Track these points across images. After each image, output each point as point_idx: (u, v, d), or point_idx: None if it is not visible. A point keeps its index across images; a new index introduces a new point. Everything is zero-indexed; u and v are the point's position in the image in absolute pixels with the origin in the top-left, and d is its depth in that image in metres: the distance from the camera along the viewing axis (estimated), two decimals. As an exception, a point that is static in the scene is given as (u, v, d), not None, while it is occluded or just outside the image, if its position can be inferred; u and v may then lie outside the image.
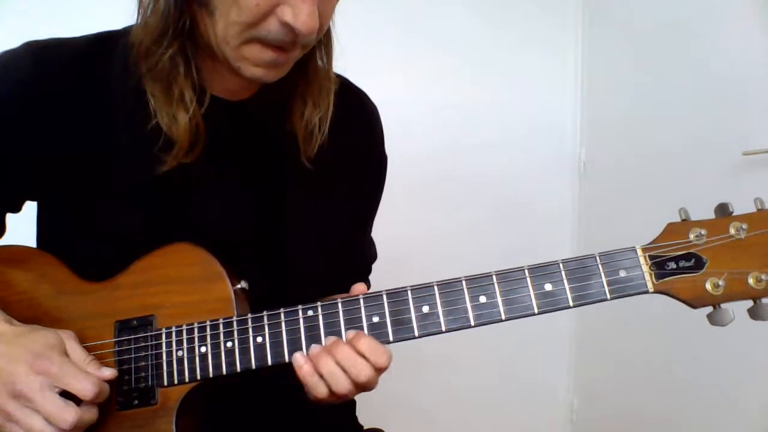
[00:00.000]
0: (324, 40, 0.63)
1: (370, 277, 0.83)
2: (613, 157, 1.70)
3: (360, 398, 0.79)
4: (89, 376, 0.52)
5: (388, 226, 0.85)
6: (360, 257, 0.79)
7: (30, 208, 0.67)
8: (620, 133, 1.66)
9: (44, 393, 0.50)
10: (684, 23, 1.40)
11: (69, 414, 0.50)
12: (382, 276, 0.82)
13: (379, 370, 0.53)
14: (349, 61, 0.69)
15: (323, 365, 0.52)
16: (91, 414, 0.52)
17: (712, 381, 1.29)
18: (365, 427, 0.76)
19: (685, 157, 1.38)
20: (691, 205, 0.54)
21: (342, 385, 0.52)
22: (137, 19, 0.57)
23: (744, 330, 0.51)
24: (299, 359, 0.53)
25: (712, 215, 0.52)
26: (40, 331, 0.55)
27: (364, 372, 0.52)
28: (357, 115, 0.73)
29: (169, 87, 0.57)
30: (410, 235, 1.52)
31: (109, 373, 0.54)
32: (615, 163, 1.68)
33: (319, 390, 0.53)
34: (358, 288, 0.57)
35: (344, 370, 0.52)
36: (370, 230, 0.81)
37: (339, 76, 0.70)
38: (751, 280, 0.48)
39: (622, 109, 1.66)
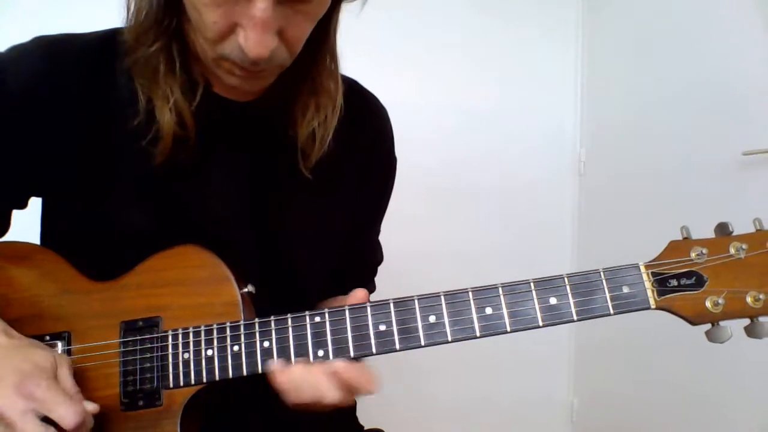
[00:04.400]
0: (328, 54, 0.63)
1: (376, 280, 0.83)
2: (612, 156, 1.71)
3: (360, 398, 0.81)
4: (74, 405, 0.50)
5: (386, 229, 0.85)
6: (364, 260, 0.79)
7: (35, 204, 0.67)
8: (620, 133, 1.67)
9: (25, 417, 0.48)
10: (684, 23, 1.41)
11: None
12: (386, 281, 0.83)
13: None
14: (350, 65, 0.69)
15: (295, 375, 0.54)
16: None
17: (712, 382, 1.30)
18: (365, 428, 0.77)
19: (685, 156, 1.39)
20: (690, 205, 0.55)
21: (312, 397, 0.54)
22: (125, 18, 0.58)
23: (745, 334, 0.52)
24: (274, 365, 0.55)
25: (711, 216, 0.54)
26: (35, 349, 0.54)
27: (331, 394, 0.53)
28: (366, 117, 0.73)
29: (153, 83, 0.58)
30: (410, 233, 1.52)
31: (91, 407, 0.53)
32: (615, 163, 1.69)
33: (289, 397, 0.54)
34: (358, 295, 0.57)
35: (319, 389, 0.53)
36: (377, 233, 0.81)
37: (349, 79, 0.70)
38: (749, 299, 0.50)
39: (622, 109, 1.67)
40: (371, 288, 0.82)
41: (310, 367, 0.54)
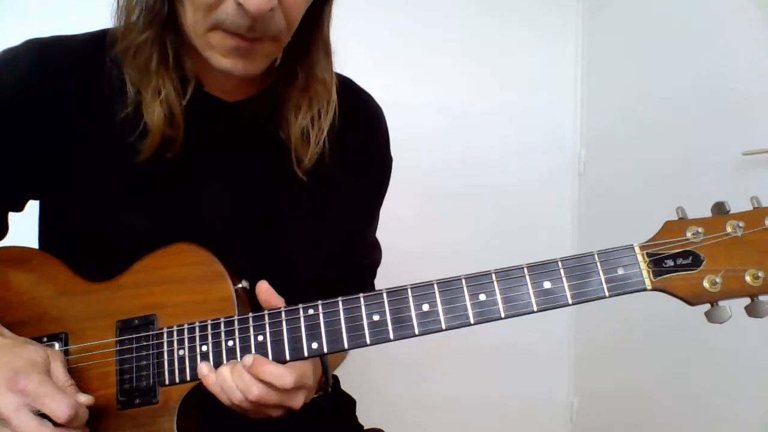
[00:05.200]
0: (321, 45, 0.62)
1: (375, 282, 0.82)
2: (613, 156, 1.70)
3: (360, 398, 0.80)
4: (66, 398, 0.50)
5: (384, 229, 0.85)
6: (361, 260, 0.79)
7: (32, 208, 0.68)
8: (620, 133, 1.66)
9: (19, 413, 0.49)
10: (684, 23, 1.41)
11: None
12: (385, 282, 0.82)
13: (286, 391, 0.53)
14: (347, 64, 0.69)
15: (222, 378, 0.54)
16: None
17: (713, 382, 1.29)
18: (365, 427, 0.76)
19: (685, 156, 1.38)
20: (691, 205, 0.54)
21: (238, 398, 0.53)
22: (114, 7, 0.58)
23: (746, 333, 0.51)
24: (203, 368, 0.55)
25: (710, 215, 0.52)
26: (27, 346, 0.54)
27: (254, 390, 0.52)
28: (360, 116, 0.72)
29: (144, 75, 0.57)
30: (409, 234, 1.52)
31: (84, 398, 0.53)
32: (615, 163, 1.69)
33: (222, 398, 0.54)
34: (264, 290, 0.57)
35: (239, 389, 0.53)
36: (374, 232, 0.81)
37: (344, 78, 0.70)
38: (748, 278, 0.49)
39: (622, 109, 1.66)
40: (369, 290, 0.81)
41: (235, 366, 0.54)
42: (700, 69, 1.35)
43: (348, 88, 0.71)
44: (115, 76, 0.59)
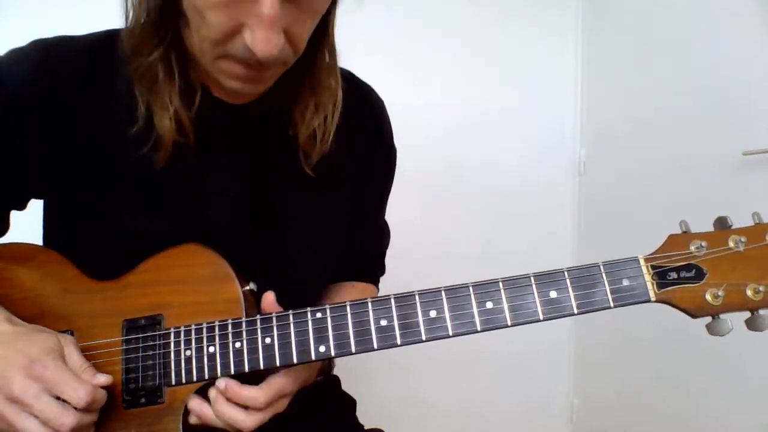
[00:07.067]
0: (327, 50, 0.63)
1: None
2: (613, 156, 1.70)
3: (360, 398, 0.81)
4: (83, 384, 0.51)
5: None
6: (368, 247, 0.80)
7: (36, 205, 0.67)
8: (620, 133, 1.67)
9: (41, 398, 0.50)
10: (685, 23, 1.40)
11: (67, 418, 0.50)
12: (385, 282, 0.83)
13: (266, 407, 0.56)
14: (348, 64, 0.69)
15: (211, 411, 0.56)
16: (90, 417, 0.53)
17: (712, 385, 1.30)
18: (365, 427, 0.77)
19: (684, 156, 1.38)
20: (690, 205, 0.55)
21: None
22: (125, 23, 0.58)
23: (746, 341, 0.52)
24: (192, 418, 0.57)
25: (711, 216, 0.54)
26: (40, 333, 0.55)
27: (239, 418, 0.55)
28: (364, 109, 0.73)
29: (152, 91, 0.58)
30: (409, 234, 1.52)
31: (104, 379, 0.54)
32: (615, 163, 1.69)
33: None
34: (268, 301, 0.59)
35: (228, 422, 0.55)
36: (383, 218, 0.82)
37: (345, 71, 0.70)
38: (749, 292, 0.50)
39: (622, 109, 1.66)
40: (381, 271, 0.84)
41: (217, 397, 0.55)
42: (700, 69, 1.35)
43: (350, 83, 0.71)
44: (123, 89, 0.59)
